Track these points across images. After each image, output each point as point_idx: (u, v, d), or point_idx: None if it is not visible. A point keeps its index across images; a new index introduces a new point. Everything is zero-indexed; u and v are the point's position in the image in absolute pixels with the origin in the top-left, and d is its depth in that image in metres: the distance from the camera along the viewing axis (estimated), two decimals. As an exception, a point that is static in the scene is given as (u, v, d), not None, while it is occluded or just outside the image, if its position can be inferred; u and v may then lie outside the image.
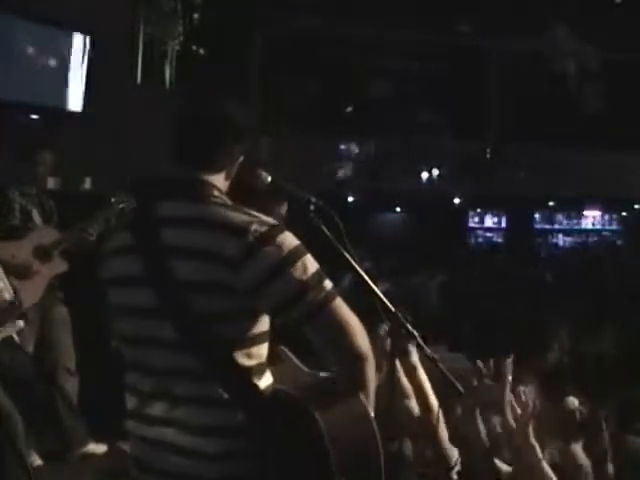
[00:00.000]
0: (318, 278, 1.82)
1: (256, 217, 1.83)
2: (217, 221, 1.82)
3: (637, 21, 13.40)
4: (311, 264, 1.82)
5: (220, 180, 1.95)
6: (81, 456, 4.71)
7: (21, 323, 3.71)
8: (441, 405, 3.22)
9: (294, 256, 1.80)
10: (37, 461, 4.46)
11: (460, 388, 2.32)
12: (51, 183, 6.38)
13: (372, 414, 1.88)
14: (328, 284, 1.84)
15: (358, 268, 2.18)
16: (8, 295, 3.74)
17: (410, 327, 2.24)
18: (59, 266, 4.62)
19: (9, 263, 4.27)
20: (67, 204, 5.09)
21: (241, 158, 2.00)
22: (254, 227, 1.79)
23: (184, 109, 1.99)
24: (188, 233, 1.83)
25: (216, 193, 1.91)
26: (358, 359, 1.86)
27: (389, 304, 2.21)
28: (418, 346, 2.27)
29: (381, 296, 2.20)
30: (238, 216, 1.83)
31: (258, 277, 1.77)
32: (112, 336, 2.00)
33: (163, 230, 1.85)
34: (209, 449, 1.82)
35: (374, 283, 2.19)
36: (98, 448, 4.75)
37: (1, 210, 4.62)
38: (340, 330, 1.83)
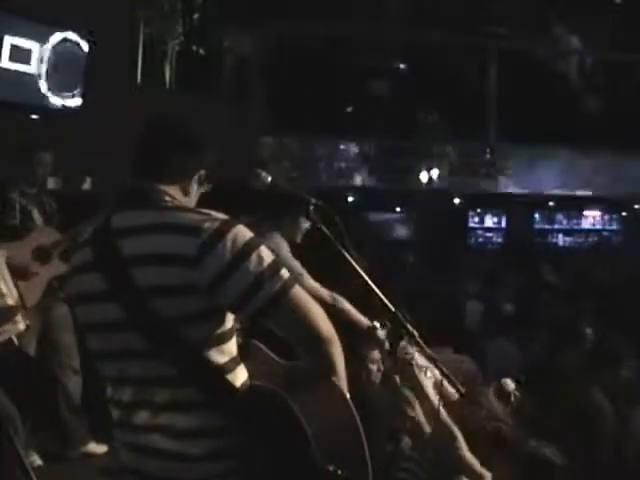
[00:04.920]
0: (274, 268, 1.84)
1: (208, 215, 1.85)
2: (170, 224, 1.84)
3: (637, 21, 13.40)
4: (266, 255, 1.84)
5: (175, 191, 1.97)
6: (81, 455, 4.71)
7: (21, 326, 3.70)
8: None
9: (248, 248, 1.82)
10: (37, 461, 4.46)
11: (461, 388, 2.33)
12: (51, 183, 6.38)
13: (347, 395, 1.91)
14: (285, 273, 1.85)
15: (358, 268, 2.19)
16: (11, 301, 3.74)
17: (410, 327, 2.24)
18: (59, 267, 4.62)
19: (9, 264, 4.27)
20: (67, 204, 5.09)
21: (197, 175, 2.01)
22: (207, 225, 1.81)
23: (143, 127, 2.04)
24: (143, 240, 1.85)
25: (167, 198, 1.93)
26: (322, 342, 1.88)
27: (389, 304, 2.21)
28: (419, 346, 2.28)
29: (381, 296, 2.20)
30: (190, 216, 1.85)
31: (216, 273, 1.79)
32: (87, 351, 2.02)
33: (119, 241, 1.86)
34: (194, 451, 1.83)
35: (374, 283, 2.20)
36: (99, 448, 4.75)
37: (1, 210, 4.62)
38: (301, 316, 1.85)
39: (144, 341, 1.82)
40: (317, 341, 1.88)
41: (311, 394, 1.87)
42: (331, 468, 1.77)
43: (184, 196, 1.99)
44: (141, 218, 1.89)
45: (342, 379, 1.92)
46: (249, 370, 1.94)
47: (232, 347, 1.91)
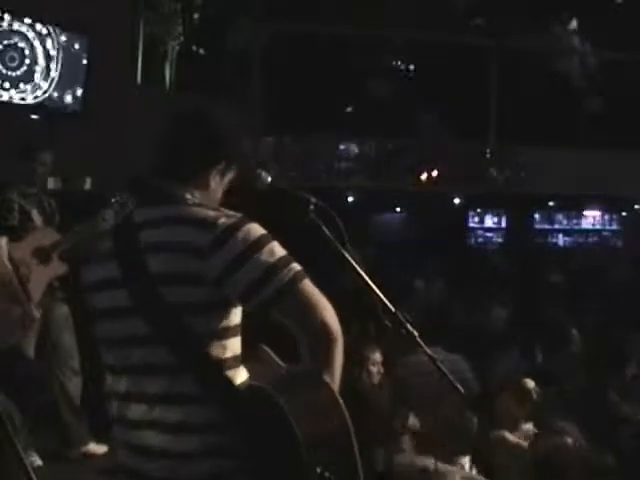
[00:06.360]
0: (286, 260, 1.88)
1: (224, 212, 1.92)
2: (186, 217, 1.91)
3: (637, 21, 13.39)
4: (278, 249, 1.89)
5: (194, 187, 2.00)
6: (81, 455, 4.71)
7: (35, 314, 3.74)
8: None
9: (261, 242, 1.87)
10: (37, 461, 4.45)
11: (460, 388, 2.32)
12: (51, 183, 6.38)
13: (339, 398, 1.91)
14: (296, 266, 1.89)
15: (358, 268, 2.19)
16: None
17: (410, 327, 2.24)
18: (59, 267, 4.62)
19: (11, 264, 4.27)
20: (67, 204, 5.09)
21: (216, 168, 2.02)
22: (222, 220, 1.87)
23: (162, 128, 2.07)
24: (159, 231, 1.91)
25: (188, 196, 1.97)
26: (328, 337, 1.90)
27: (389, 304, 2.21)
28: (418, 346, 2.27)
29: (381, 296, 2.20)
30: (206, 212, 1.91)
31: (227, 264, 1.84)
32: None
33: (136, 232, 1.93)
34: (187, 447, 1.85)
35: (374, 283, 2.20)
36: (99, 448, 4.75)
37: (0, 210, 4.62)
38: (310, 308, 1.88)
39: (147, 327, 1.86)
40: (322, 334, 1.90)
41: (302, 395, 1.88)
42: (318, 470, 1.78)
43: (204, 190, 2.01)
44: (160, 212, 1.94)
45: (336, 378, 1.93)
46: (253, 372, 1.95)
47: (235, 345, 1.94)
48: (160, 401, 1.87)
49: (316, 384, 1.90)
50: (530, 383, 4.06)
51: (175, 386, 1.86)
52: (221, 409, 1.84)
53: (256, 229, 1.90)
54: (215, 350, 1.87)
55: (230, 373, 1.88)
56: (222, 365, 1.87)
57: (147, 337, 1.87)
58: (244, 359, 1.97)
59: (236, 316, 1.93)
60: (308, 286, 1.90)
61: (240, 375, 1.92)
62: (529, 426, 4.05)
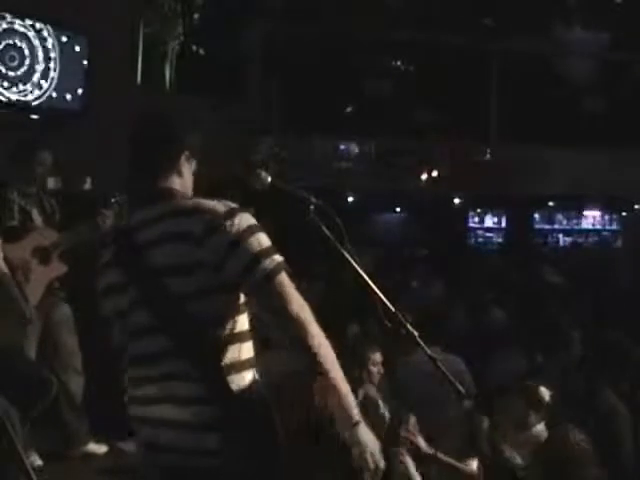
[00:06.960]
0: (271, 251, 1.99)
1: (215, 202, 2.02)
2: (181, 210, 2.03)
3: (637, 21, 13.40)
4: (265, 240, 2.00)
5: (176, 182, 2.14)
6: (81, 455, 4.71)
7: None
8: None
9: (250, 231, 1.97)
10: (37, 461, 4.45)
11: (460, 388, 2.33)
12: (51, 183, 6.38)
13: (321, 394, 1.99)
14: (279, 257, 1.99)
15: (358, 268, 2.19)
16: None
17: (410, 327, 2.24)
18: (59, 267, 4.62)
19: (9, 264, 4.26)
20: (67, 204, 5.08)
21: (183, 156, 2.16)
22: (214, 209, 1.99)
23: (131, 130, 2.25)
24: (156, 226, 2.02)
25: (175, 193, 2.11)
26: (300, 327, 1.96)
27: (389, 304, 2.22)
28: (418, 345, 2.28)
29: (381, 296, 2.21)
30: (199, 203, 2.03)
31: (220, 250, 1.94)
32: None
33: (137, 234, 2.05)
34: (192, 419, 1.94)
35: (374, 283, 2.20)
36: (99, 448, 4.75)
37: (0, 210, 4.61)
38: (285, 298, 1.97)
39: (151, 316, 1.98)
40: (295, 324, 1.96)
41: (289, 391, 1.97)
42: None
43: (181, 178, 2.14)
44: (157, 210, 2.05)
45: (333, 374, 1.95)
46: (263, 360, 2.05)
47: (242, 321, 2.02)
48: (167, 379, 1.97)
49: (302, 382, 1.96)
50: (545, 392, 4.01)
51: (176, 366, 1.95)
52: (208, 388, 1.93)
53: (246, 218, 1.99)
54: (221, 329, 1.96)
55: (234, 347, 1.97)
56: (222, 343, 1.96)
57: (151, 325, 1.97)
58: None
59: (240, 295, 2.02)
60: (286, 278, 1.98)
61: (246, 350, 2.01)
62: (541, 427, 4.00)
